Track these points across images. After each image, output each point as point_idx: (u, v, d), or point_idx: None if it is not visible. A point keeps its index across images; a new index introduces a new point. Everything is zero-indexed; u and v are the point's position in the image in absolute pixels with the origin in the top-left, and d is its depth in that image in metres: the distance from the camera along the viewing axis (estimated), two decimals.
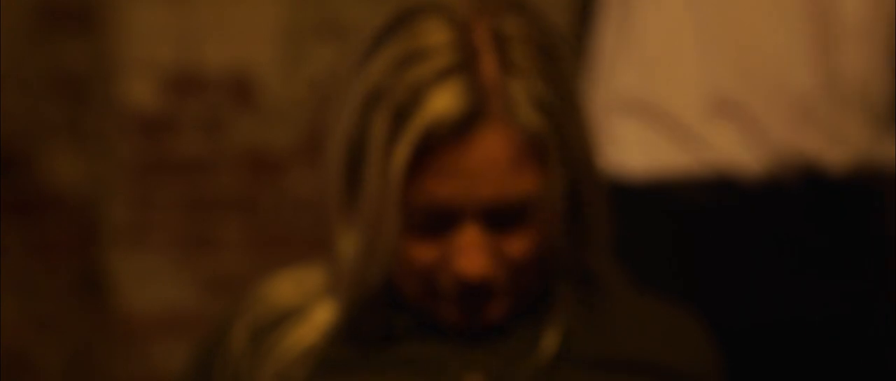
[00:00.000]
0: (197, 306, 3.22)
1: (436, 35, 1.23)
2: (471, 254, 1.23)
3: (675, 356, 1.35)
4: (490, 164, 1.21)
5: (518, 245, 1.25)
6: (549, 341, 1.30)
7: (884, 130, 1.72)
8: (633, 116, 1.76)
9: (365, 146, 1.23)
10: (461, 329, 1.28)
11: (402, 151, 1.20)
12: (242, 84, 3.24)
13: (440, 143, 1.20)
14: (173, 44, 3.23)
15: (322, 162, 1.29)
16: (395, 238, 1.23)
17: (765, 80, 1.72)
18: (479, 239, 1.23)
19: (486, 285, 1.25)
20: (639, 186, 1.76)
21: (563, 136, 1.24)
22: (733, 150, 1.72)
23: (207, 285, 3.24)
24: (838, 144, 1.69)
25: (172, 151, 3.24)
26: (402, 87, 1.21)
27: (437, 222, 1.23)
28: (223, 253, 3.24)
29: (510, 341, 1.30)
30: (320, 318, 1.31)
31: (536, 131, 1.22)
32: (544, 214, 1.24)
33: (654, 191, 1.75)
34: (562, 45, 1.27)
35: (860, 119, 1.70)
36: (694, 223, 1.76)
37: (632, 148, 1.76)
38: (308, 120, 3.20)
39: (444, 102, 1.20)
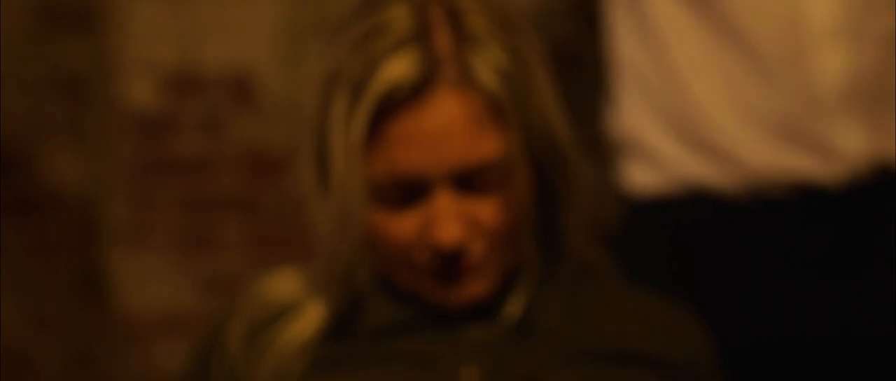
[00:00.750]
0: (197, 306, 3.22)
1: (394, 13, 1.25)
2: (443, 222, 1.24)
3: (670, 346, 1.36)
4: (449, 128, 1.22)
5: (489, 211, 1.26)
6: (535, 320, 1.31)
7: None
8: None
9: (327, 124, 1.24)
10: (446, 306, 1.28)
11: (359, 121, 1.22)
12: (242, 84, 3.24)
13: (397, 110, 1.22)
14: (173, 44, 3.23)
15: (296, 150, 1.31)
16: (363, 211, 1.24)
17: (734, 104, 1.70)
18: (450, 206, 1.24)
19: (461, 252, 1.25)
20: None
21: (521, 100, 1.25)
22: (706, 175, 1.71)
23: (207, 285, 3.24)
24: (829, 157, 1.67)
25: (172, 150, 3.24)
26: (359, 61, 1.23)
27: (407, 192, 1.24)
28: (223, 253, 3.24)
29: (503, 330, 1.30)
30: (315, 313, 1.32)
31: (493, 92, 1.24)
32: (512, 179, 1.25)
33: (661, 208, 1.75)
34: (517, 19, 1.29)
35: (860, 122, 1.68)
36: (688, 238, 1.74)
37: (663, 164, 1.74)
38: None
39: (397, 69, 1.22)
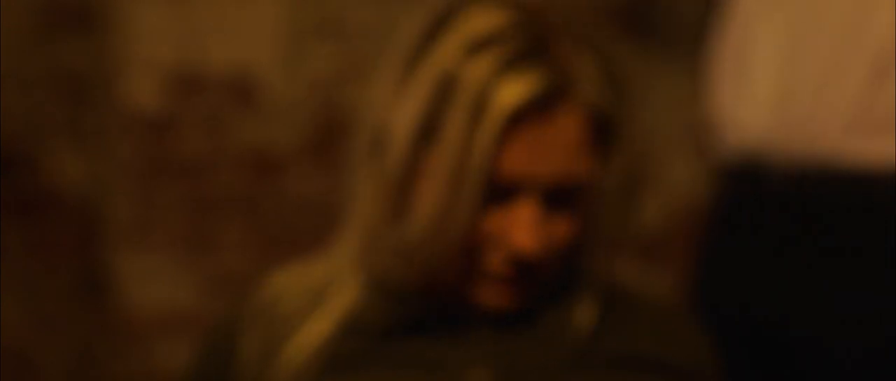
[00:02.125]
0: (198, 306, 3.21)
1: (506, 18, 1.25)
2: (529, 230, 1.24)
3: (676, 351, 1.36)
4: (562, 141, 1.24)
5: (564, 229, 1.27)
6: (569, 333, 1.31)
7: None
8: None
9: (439, 132, 1.24)
10: (492, 311, 1.29)
11: (485, 139, 1.22)
12: (244, 84, 3.24)
13: (519, 123, 1.23)
14: (174, 43, 3.23)
15: (350, 148, 1.31)
16: (471, 216, 1.24)
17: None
18: (537, 216, 1.25)
19: (536, 263, 1.26)
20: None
21: (629, 117, 1.27)
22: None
23: (209, 285, 3.24)
24: None
25: (174, 150, 3.24)
26: (477, 73, 1.23)
27: (497, 193, 1.25)
28: (225, 253, 3.24)
29: (515, 334, 1.31)
30: (329, 312, 1.32)
31: (607, 109, 1.25)
32: (594, 199, 1.27)
33: None
34: (605, 33, 1.30)
35: None
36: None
37: None
38: (310, 120, 3.20)
39: (523, 86, 1.23)
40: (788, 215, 1.79)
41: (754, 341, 1.81)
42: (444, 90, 1.24)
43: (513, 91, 1.22)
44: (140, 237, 3.23)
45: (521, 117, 1.23)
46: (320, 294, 1.33)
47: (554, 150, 1.24)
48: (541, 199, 1.25)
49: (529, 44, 1.24)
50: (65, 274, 3.13)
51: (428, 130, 1.25)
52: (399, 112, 1.26)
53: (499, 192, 1.25)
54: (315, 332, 1.31)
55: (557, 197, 1.26)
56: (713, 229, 1.92)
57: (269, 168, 3.23)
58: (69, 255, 3.14)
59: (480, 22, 1.25)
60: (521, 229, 1.25)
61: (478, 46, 1.24)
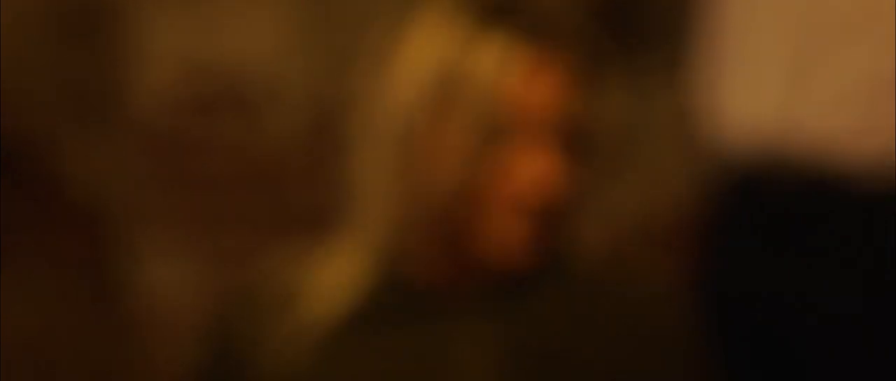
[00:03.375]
0: (201, 300, 3.19)
1: None
2: (549, 164, 1.30)
3: (665, 336, 1.41)
4: (558, 77, 1.29)
5: (567, 170, 1.32)
6: (566, 315, 1.36)
7: None
8: None
9: (442, 91, 1.29)
10: (508, 265, 1.32)
11: (489, 76, 1.28)
12: (249, 85, 3.23)
13: (518, 63, 1.28)
14: (182, 45, 3.22)
15: (352, 129, 1.35)
16: (493, 157, 1.29)
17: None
18: (553, 155, 1.30)
19: (549, 203, 1.31)
20: None
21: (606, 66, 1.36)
22: None
23: (215, 287, 3.23)
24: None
25: (180, 153, 3.23)
26: (468, 24, 1.30)
27: (503, 137, 1.30)
28: (231, 254, 3.23)
29: (516, 317, 1.34)
30: (333, 297, 1.35)
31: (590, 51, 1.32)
32: (589, 146, 1.33)
33: None
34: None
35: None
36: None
37: None
38: (314, 120, 3.20)
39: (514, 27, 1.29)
40: (792, 213, 1.81)
41: (760, 337, 1.83)
42: (446, 57, 1.30)
43: (505, 34, 1.28)
44: (145, 241, 3.23)
45: (520, 57, 1.29)
46: (322, 285, 1.37)
47: (552, 85, 1.29)
48: (547, 139, 1.31)
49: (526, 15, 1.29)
50: (72, 279, 3.14)
51: (435, 94, 1.30)
52: (397, 83, 1.30)
53: (504, 134, 1.30)
54: (316, 321, 1.34)
55: (558, 136, 1.31)
56: (719, 227, 1.93)
57: (274, 170, 3.23)
58: (76, 259, 3.15)
59: None
60: (532, 166, 1.30)
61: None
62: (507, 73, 1.29)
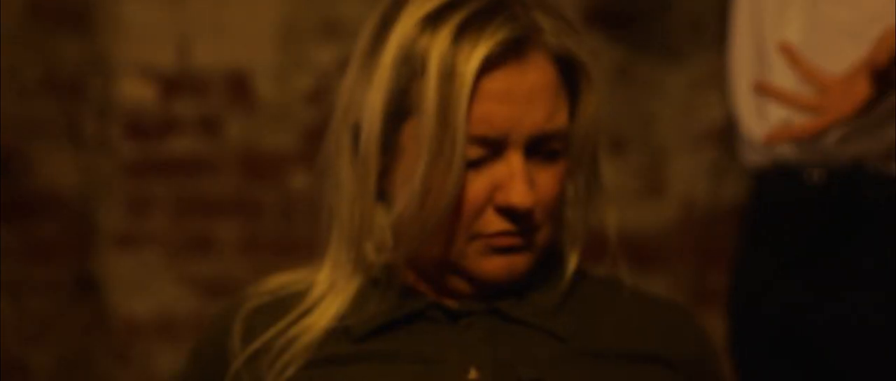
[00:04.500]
0: (193, 309, 3.21)
1: None
2: (519, 183, 1.26)
3: (675, 345, 1.37)
4: (537, 88, 1.26)
5: (549, 182, 1.29)
6: (560, 329, 1.32)
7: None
8: None
9: (412, 108, 1.26)
10: (485, 278, 1.29)
11: (460, 98, 1.24)
12: (240, 85, 3.22)
13: (491, 78, 1.25)
14: (170, 44, 3.21)
15: (328, 143, 1.33)
16: (459, 179, 1.25)
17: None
18: (521, 170, 1.26)
19: (531, 218, 1.28)
20: None
21: (591, 65, 1.30)
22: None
23: (204, 288, 3.23)
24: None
25: (169, 152, 3.23)
26: (438, 41, 1.25)
27: (487, 150, 1.26)
28: (220, 256, 3.23)
29: (507, 328, 1.31)
30: (324, 309, 1.33)
31: (573, 52, 1.28)
32: (568, 154, 1.29)
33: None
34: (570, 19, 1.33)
35: None
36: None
37: None
38: (306, 121, 3.19)
39: (486, 40, 1.25)
40: (818, 214, 1.89)
41: (789, 339, 1.86)
42: (410, 66, 1.26)
43: (477, 47, 1.24)
44: (135, 239, 3.22)
45: (493, 71, 1.25)
46: (312, 295, 1.34)
47: (530, 98, 1.26)
48: (525, 153, 1.27)
49: (484, 4, 1.26)
50: (59, 276, 3.12)
51: (400, 110, 1.27)
52: (369, 98, 1.27)
53: (490, 149, 1.26)
54: (307, 332, 1.32)
55: (539, 149, 1.27)
56: (747, 229, 2.00)
57: (265, 170, 3.22)
58: (64, 256, 3.13)
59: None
60: (513, 182, 1.26)
61: (434, 19, 1.26)
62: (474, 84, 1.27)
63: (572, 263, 1.37)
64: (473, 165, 1.26)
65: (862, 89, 1.72)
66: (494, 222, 1.28)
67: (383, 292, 1.32)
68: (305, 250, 1.39)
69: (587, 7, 3.07)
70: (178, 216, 3.24)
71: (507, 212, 1.27)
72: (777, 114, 1.88)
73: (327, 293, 1.33)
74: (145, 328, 3.23)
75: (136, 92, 3.22)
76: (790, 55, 1.80)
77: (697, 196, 3.13)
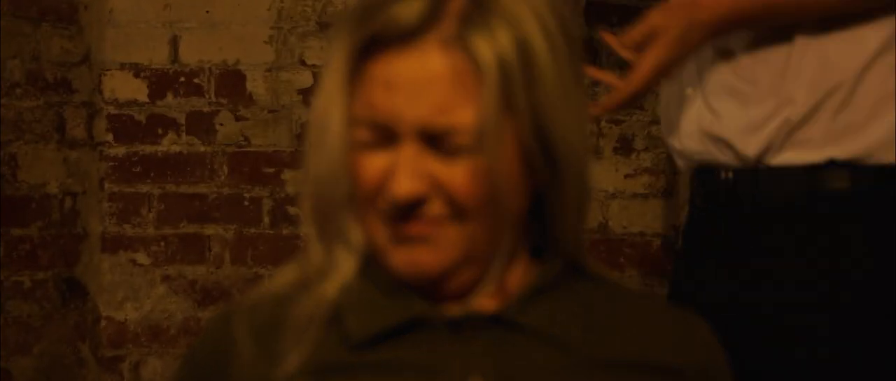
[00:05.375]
0: (183, 315, 3.19)
1: None
2: (400, 173, 1.26)
3: (683, 355, 1.37)
4: (429, 81, 1.24)
5: (456, 177, 1.26)
6: (564, 338, 1.31)
7: None
8: None
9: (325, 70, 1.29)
10: (399, 273, 1.29)
11: (345, 53, 1.26)
12: (232, 83, 3.21)
13: (385, 51, 1.25)
14: (160, 40, 3.21)
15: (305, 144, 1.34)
16: (340, 162, 1.28)
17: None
18: (412, 159, 1.26)
19: (414, 207, 1.27)
20: None
21: (513, 87, 1.25)
22: None
23: (194, 293, 3.20)
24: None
25: (160, 152, 3.22)
26: (355, 13, 1.27)
27: (380, 136, 1.27)
28: (211, 259, 3.21)
29: (510, 336, 1.30)
30: (319, 318, 1.31)
31: (482, 63, 1.24)
32: (485, 153, 1.25)
33: None
34: (549, 14, 1.30)
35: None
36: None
37: None
38: (300, 120, 3.18)
39: (398, 10, 1.25)
40: (731, 213, 1.93)
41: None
42: (336, 30, 1.29)
43: (386, 13, 1.25)
44: (124, 241, 3.22)
45: (381, 56, 1.25)
46: (309, 300, 1.32)
47: (421, 88, 1.25)
48: (420, 143, 1.26)
49: None
50: (45, 278, 3.10)
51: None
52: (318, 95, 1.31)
53: (383, 135, 1.27)
54: (305, 339, 1.30)
55: (439, 142, 1.25)
56: (685, 234, 2.09)
57: (259, 170, 3.21)
58: (50, 258, 3.10)
59: None
60: (394, 172, 1.26)
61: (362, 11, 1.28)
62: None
63: (582, 269, 1.36)
64: (367, 148, 1.27)
65: (642, 74, 1.82)
66: (386, 207, 1.28)
67: (379, 297, 1.31)
68: (299, 253, 1.37)
69: (590, 2, 3.05)
70: (168, 218, 3.22)
71: (391, 199, 1.26)
72: (687, 120, 1.96)
73: (324, 299, 1.32)
74: (134, 335, 3.22)
75: (126, 90, 3.22)
76: (612, 40, 1.85)
77: None
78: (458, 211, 1.27)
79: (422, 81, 1.24)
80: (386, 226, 1.28)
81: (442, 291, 1.30)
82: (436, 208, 1.27)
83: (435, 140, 1.25)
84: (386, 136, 1.26)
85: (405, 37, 1.24)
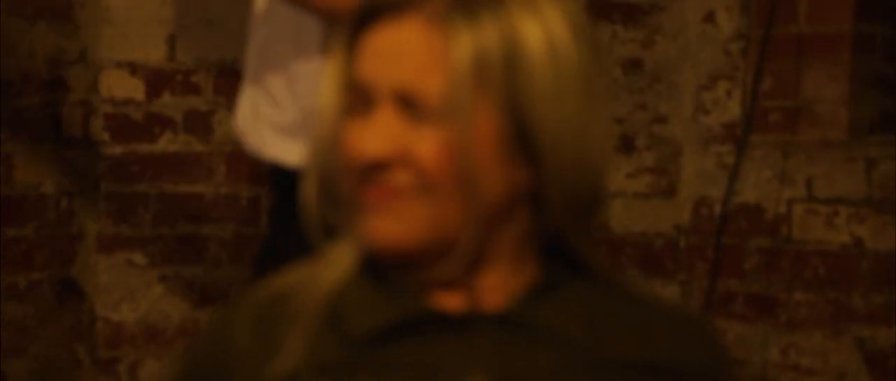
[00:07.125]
0: (181, 316, 3.18)
1: None
2: (368, 133, 1.30)
3: (685, 356, 1.38)
4: (404, 48, 1.31)
5: (425, 146, 1.29)
6: (569, 338, 1.32)
7: None
8: None
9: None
10: (370, 246, 1.32)
11: (342, 36, 1.34)
12: (230, 82, 3.15)
13: (372, 32, 1.32)
14: (157, 38, 3.21)
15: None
16: (333, 122, 1.33)
17: None
18: (383, 123, 1.30)
19: (379, 171, 1.30)
20: None
21: (499, 68, 1.29)
22: None
23: (192, 294, 3.20)
24: None
25: (156, 151, 3.22)
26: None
27: (360, 101, 1.32)
28: (209, 260, 3.21)
29: (513, 335, 1.31)
30: (320, 314, 1.32)
31: (461, 39, 1.29)
32: (456, 124, 1.28)
33: None
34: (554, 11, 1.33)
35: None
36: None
37: None
38: None
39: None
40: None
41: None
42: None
43: (364, 6, 1.32)
44: (120, 241, 3.21)
45: (373, 28, 1.32)
46: (308, 295, 1.33)
47: (397, 54, 1.31)
48: (394, 109, 1.30)
49: None
50: (41, 279, 3.10)
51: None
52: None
53: (362, 100, 1.32)
54: (305, 334, 1.31)
55: (413, 109, 1.29)
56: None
57: (255, 170, 3.19)
58: (46, 260, 3.11)
59: None
60: (362, 132, 1.31)
61: None
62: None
63: (586, 267, 1.35)
64: (352, 115, 1.32)
65: None
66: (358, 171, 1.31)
67: (378, 294, 1.32)
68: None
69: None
70: (165, 218, 3.22)
71: (357, 158, 1.30)
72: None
73: (328, 293, 1.33)
74: (130, 336, 3.21)
75: (122, 89, 3.21)
76: None
77: (711, 197, 3.15)
78: (424, 184, 1.28)
79: (400, 48, 1.30)
80: (358, 194, 1.31)
81: (424, 277, 1.31)
82: (401, 177, 1.29)
83: (409, 107, 1.29)
84: (365, 101, 1.31)
85: (395, 11, 1.31)
